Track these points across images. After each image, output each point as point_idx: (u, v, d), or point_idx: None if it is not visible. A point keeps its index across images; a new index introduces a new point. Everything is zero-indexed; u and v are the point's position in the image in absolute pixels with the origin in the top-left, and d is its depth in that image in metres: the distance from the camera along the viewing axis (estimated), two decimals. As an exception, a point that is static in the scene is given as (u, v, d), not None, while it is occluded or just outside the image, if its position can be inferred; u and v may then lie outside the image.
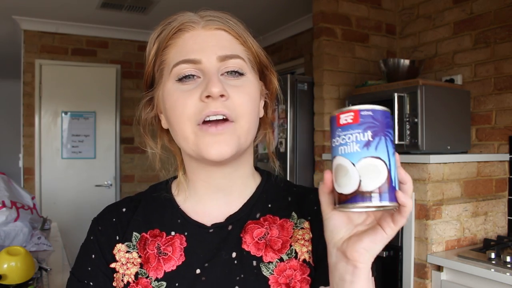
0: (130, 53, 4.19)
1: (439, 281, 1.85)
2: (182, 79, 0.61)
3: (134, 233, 0.67)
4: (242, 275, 0.62)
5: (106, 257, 0.67)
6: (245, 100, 0.61)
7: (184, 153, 0.68)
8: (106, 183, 4.05)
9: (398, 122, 2.05)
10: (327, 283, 0.57)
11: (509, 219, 2.14)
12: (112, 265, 0.66)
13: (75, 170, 3.94)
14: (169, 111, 0.63)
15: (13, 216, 1.76)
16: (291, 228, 0.66)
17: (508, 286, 1.57)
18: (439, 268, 1.86)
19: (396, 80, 2.21)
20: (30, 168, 3.83)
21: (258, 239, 0.64)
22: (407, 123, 2.03)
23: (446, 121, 2.10)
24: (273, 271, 0.62)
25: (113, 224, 0.69)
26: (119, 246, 0.67)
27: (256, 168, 0.74)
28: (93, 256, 0.67)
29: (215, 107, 0.59)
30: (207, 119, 0.59)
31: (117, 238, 0.67)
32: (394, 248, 1.99)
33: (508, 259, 1.65)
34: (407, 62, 2.26)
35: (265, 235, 0.65)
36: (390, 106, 2.07)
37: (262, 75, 0.69)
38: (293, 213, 0.67)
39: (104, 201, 4.02)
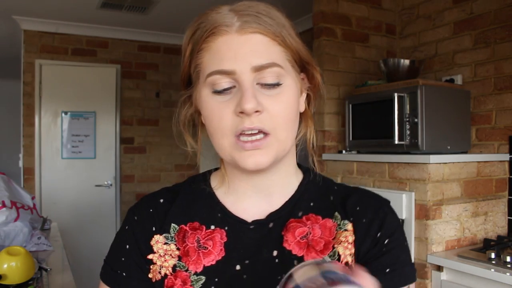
0: (130, 53, 4.19)
1: (439, 281, 1.85)
2: (217, 91, 0.59)
3: (173, 224, 0.66)
4: (284, 275, 0.62)
5: (141, 248, 0.65)
6: (281, 109, 0.59)
7: None
8: (106, 183, 4.04)
9: (398, 122, 2.05)
10: None
11: (509, 219, 2.14)
12: (150, 256, 0.65)
13: (75, 170, 3.94)
14: (206, 119, 0.62)
15: (13, 216, 1.76)
16: (334, 229, 0.64)
17: (508, 286, 1.57)
18: (439, 268, 1.86)
19: (396, 80, 2.21)
20: (30, 168, 3.83)
21: (300, 238, 0.63)
22: (407, 123, 2.03)
23: (446, 121, 2.10)
24: None
25: (150, 214, 0.67)
26: (157, 237, 0.65)
27: (299, 165, 0.72)
28: (127, 246, 0.66)
29: (250, 123, 0.57)
30: (243, 132, 0.58)
31: (154, 229, 0.66)
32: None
33: (508, 259, 1.65)
34: (407, 62, 2.26)
35: (307, 234, 0.63)
36: (390, 106, 2.07)
37: (304, 69, 0.66)
38: (336, 213, 0.65)
39: (104, 201, 4.04)
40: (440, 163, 1.92)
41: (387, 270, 0.61)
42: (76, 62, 3.98)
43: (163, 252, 0.65)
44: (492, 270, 1.62)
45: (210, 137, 0.64)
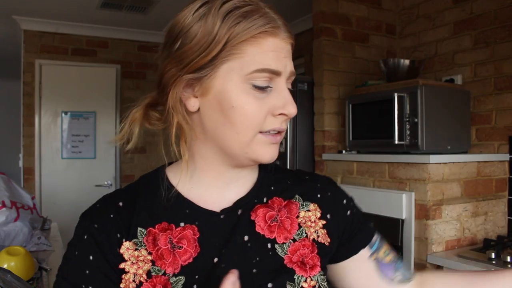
0: (130, 53, 4.19)
1: (439, 281, 1.85)
2: (259, 87, 0.60)
3: (139, 228, 0.63)
4: (257, 258, 0.64)
5: (109, 258, 0.61)
6: (295, 111, 0.65)
7: (213, 147, 0.65)
8: (106, 183, 4.05)
9: (398, 122, 2.05)
10: (365, 244, 0.74)
11: (509, 219, 2.14)
12: (121, 266, 0.61)
13: (75, 170, 3.94)
14: (234, 111, 0.60)
15: (13, 216, 1.76)
16: (297, 209, 0.70)
17: (508, 286, 1.57)
18: (439, 268, 1.86)
19: (396, 80, 2.21)
20: (30, 168, 3.83)
21: (271, 222, 0.67)
22: (407, 123, 2.03)
23: (446, 121, 2.10)
24: (287, 251, 0.66)
25: (112, 220, 0.64)
26: (126, 244, 0.62)
27: None
28: (91, 257, 0.61)
29: (285, 124, 0.64)
30: (270, 131, 0.63)
31: (119, 235, 0.63)
32: (394, 248, 1.99)
33: (508, 259, 1.65)
34: (407, 62, 2.26)
35: (276, 217, 0.68)
36: (390, 106, 2.07)
37: None
38: (297, 196, 0.72)
39: (104, 201, 4.03)
40: (440, 163, 1.92)
41: (365, 221, 0.77)
42: (76, 62, 3.98)
43: (134, 259, 0.62)
44: (492, 270, 1.62)
45: (222, 127, 0.62)
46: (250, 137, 0.61)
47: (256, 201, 0.68)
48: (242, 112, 0.60)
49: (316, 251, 0.68)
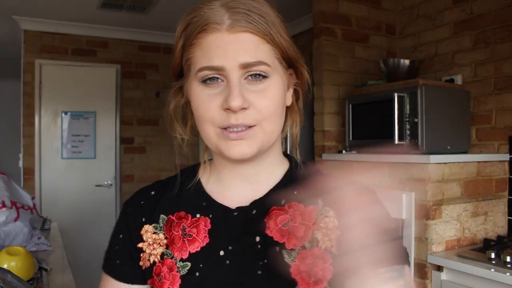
0: (130, 53, 4.19)
1: (439, 281, 1.85)
2: (206, 81, 0.62)
3: (162, 215, 0.70)
4: (265, 260, 0.63)
5: (132, 237, 0.70)
6: (268, 103, 0.62)
7: None
8: (106, 183, 4.05)
9: (398, 122, 2.05)
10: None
11: (509, 219, 2.14)
12: (140, 245, 0.69)
13: (75, 170, 3.94)
14: (194, 110, 0.65)
15: (13, 216, 1.76)
16: (314, 215, 0.65)
17: (508, 286, 1.57)
18: (439, 268, 1.86)
19: (396, 80, 2.21)
20: (30, 168, 3.83)
21: (282, 226, 0.65)
22: (407, 123, 2.03)
23: (446, 121, 2.10)
24: (295, 258, 0.63)
25: (141, 206, 0.72)
26: (146, 227, 0.70)
27: (285, 154, 0.75)
28: (121, 236, 0.71)
29: (235, 119, 0.60)
30: (228, 128, 0.61)
31: (143, 219, 0.70)
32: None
33: (508, 259, 1.65)
34: (407, 62, 2.26)
35: (288, 222, 0.65)
36: (390, 106, 2.07)
37: (292, 65, 0.69)
38: (319, 201, 0.66)
39: (104, 201, 4.04)
40: (440, 163, 1.92)
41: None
42: (76, 62, 3.97)
43: (151, 241, 0.69)
44: (492, 270, 1.62)
45: (198, 127, 0.67)
46: (212, 133, 0.63)
47: (273, 203, 0.67)
48: (199, 109, 0.63)
49: (330, 261, 0.62)
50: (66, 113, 3.93)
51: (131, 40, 4.17)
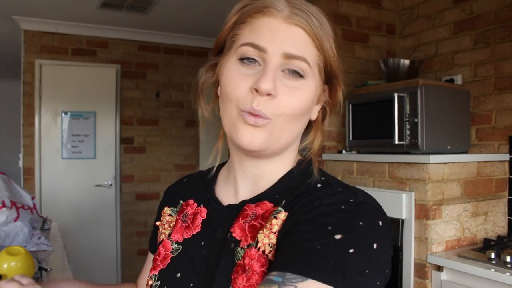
0: (130, 53, 4.19)
1: (439, 281, 1.85)
2: (244, 60, 0.61)
3: (181, 201, 0.77)
4: (224, 256, 0.62)
5: (157, 216, 0.80)
6: (293, 102, 0.61)
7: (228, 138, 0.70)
8: (106, 183, 4.04)
9: (398, 122, 2.05)
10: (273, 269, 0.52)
11: (509, 219, 2.14)
12: (157, 223, 0.79)
13: (75, 170, 3.94)
14: (223, 86, 0.64)
15: (13, 216, 1.76)
16: (268, 215, 0.62)
17: (508, 286, 1.57)
18: (439, 268, 1.86)
19: (396, 80, 2.21)
20: (30, 168, 3.83)
21: (243, 222, 0.64)
22: (407, 123, 2.03)
23: (446, 121, 2.10)
24: (241, 257, 0.60)
25: (173, 190, 0.82)
26: (166, 209, 0.78)
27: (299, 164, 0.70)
28: (158, 213, 0.81)
29: (257, 104, 0.59)
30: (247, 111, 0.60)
31: (166, 202, 0.80)
32: (394, 248, 1.99)
33: (508, 259, 1.65)
34: (407, 62, 2.26)
35: (250, 219, 0.63)
36: (390, 106, 2.07)
37: (329, 82, 0.68)
38: (284, 202, 0.62)
39: (104, 201, 4.04)
40: (440, 163, 1.92)
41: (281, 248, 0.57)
42: (76, 62, 3.97)
43: (165, 222, 0.76)
44: (492, 270, 1.62)
45: (220, 104, 0.67)
46: (233, 113, 0.61)
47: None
48: (226, 84, 0.62)
49: (266, 266, 0.57)
50: (66, 113, 3.93)
51: (131, 40, 4.17)
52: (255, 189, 0.68)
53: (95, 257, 3.86)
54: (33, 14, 3.62)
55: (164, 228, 0.75)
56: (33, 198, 2.07)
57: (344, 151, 2.44)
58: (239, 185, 0.70)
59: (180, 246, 0.70)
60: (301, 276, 0.48)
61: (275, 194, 0.65)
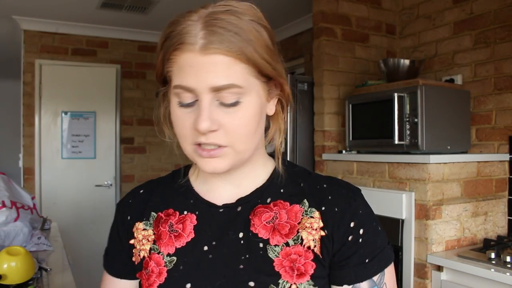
0: (130, 53, 4.19)
1: (439, 281, 1.85)
2: (179, 102, 0.63)
3: (152, 212, 0.74)
4: (247, 255, 0.65)
5: (123, 236, 0.75)
6: (239, 125, 0.62)
7: None
8: (106, 183, 4.05)
9: (398, 122, 2.05)
10: (350, 282, 0.66)
11: (509, 219, 2.14)
12: (131, 242, 0.74)
13: (75, 170, 3.94)
14: (173, 124, 0.66)
15: (13, 216, 1.76)
16: (300, 214, 0.68)
17: (508, 286, 1.57)
18: (439, 268, 1.86)
19: (396, 80, 2.21)
20: (30, 168, 3.83)
21: (266, 223, 0.67)
22: (407, 123, 2.03)
23: (446, 121, 2.10)
24: (278, 254, 0.65)
25: (129, 204, 0.77)
26: (137, 224, 0.74)
27: (271, 155, 0.76)
28: (114, 234, 0.77)
29: (205, 139, 0.61)
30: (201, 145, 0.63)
31: (129, 217, 0.75)
32: (394, 248, 1.99)
33: (508, 259, 1.65)
34: (407, 62, 2.26)
35: (273, 219, 0.67)
36: (390, 106, 2.07)
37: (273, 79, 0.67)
38: (305, 200, 0.69)
39: (104, 201, 4.04)
40: (440, 163, 1.92)
41: (367, 260, 0.66)
42: (76, 62, 3.97)
43: (141, 237, 0.72)
44: (492, 270, 1.63)
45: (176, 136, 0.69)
46: (189, 148, 0.64)
47: (259, 201, 0.69)
48: (174, 124, 0.65)
49: (312, 257, 0.65)
50: (66, 113, 3.93)
51: (131, 40, 4.17)
52: (242, 188, 0.71)
53: (95, 257, 3.85)
54: (33, 14, 3.62)
55: (142, 244, 0.72)
56: (33, 198, 2.07)
57: (344, 151, 2.44)
58: (221, 188, 0.72)
59: (174, 257, 0.68)
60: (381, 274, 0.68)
61: (278, 189, 0.70)
